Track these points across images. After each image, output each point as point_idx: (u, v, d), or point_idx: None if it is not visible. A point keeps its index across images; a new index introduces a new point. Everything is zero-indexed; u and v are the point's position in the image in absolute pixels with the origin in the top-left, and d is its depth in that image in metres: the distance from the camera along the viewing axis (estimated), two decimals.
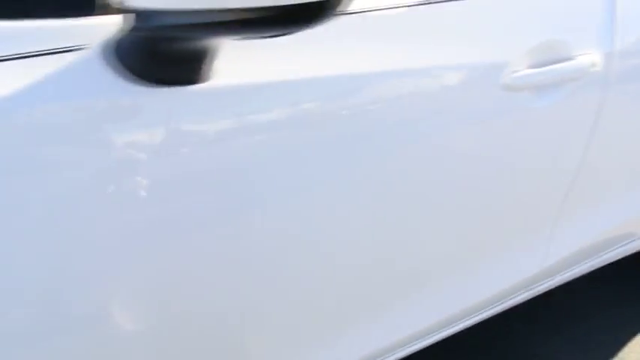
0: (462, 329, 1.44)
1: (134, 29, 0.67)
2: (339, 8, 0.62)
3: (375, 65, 0.91)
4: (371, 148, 0.95)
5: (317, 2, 0.59)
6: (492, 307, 1.41)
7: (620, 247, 1.86)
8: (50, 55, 0.67)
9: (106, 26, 0.70)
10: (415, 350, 1.30)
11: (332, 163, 0.92)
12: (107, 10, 0.68)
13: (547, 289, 1.65)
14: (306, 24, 0.62)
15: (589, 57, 1.20)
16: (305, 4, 0.59)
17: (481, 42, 1.04)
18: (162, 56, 0.69)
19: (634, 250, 1.95)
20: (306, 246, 0.95)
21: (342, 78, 0.87)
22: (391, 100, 0.95)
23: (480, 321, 1.44)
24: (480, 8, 1.04)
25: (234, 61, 0.74)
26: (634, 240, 1.90)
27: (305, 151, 0.87)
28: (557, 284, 1.70)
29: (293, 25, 0.62)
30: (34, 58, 0.67)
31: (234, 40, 0.69)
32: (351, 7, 0.85)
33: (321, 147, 0.89)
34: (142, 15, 0.65)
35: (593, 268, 1.83)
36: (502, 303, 1.40)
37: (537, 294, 1.60)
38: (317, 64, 0.84)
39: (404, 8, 0.94)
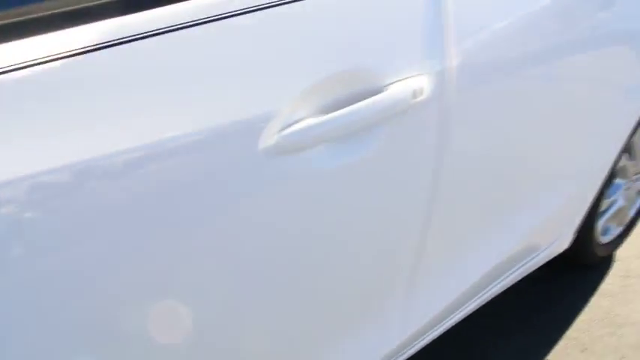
0: None
1: None
2: None
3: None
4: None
5: None
6: None
7: (526, 263, 1.56)
8: None
9: None
10: None
11: None
12: None
13: (436, 336, 1.33)
14: None
15: (409, 83, 0.81)
16: None
17: (219, 95, 0.66)
18: None
19: (544, 261, 1.67)
20: None
21: None
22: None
23: None
24: (211, 44, 0.65)
25: None
26: (540, 252, 1.60)
27: None
28: (453, 323, 1.38)
29: None
30: None
31: None
32: None
33: None
34: None
35: (499, 292, 1.53)
36: None
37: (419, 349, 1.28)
38: None
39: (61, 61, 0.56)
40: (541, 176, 1.37)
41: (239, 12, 0.65)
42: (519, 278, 1.60)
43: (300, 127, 0.71)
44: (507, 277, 1.52)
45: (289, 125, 0.70)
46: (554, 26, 1.09)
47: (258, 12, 0.67)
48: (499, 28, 0.92)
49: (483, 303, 1.50)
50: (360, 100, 0.76)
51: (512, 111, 1.05)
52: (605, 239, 1.86)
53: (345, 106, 0.74)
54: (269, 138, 0.69)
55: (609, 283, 1.88)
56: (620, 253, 1.99)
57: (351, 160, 0.77)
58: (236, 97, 0.66)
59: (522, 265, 1.55)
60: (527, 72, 1.08)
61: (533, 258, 1.58)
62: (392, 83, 0.79)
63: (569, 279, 1.88)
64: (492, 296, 1.51)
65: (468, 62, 0.87)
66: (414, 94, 0.80)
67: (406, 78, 0.81)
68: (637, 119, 1.63)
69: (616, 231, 1.90)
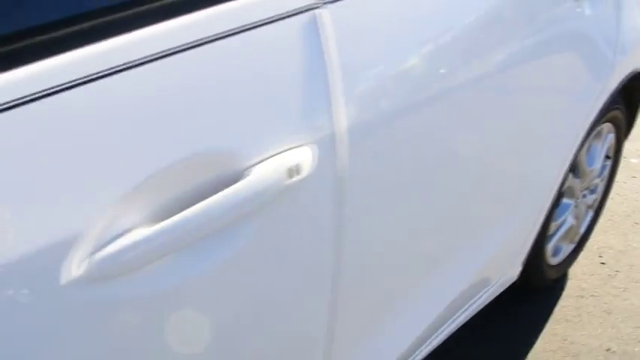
0: None
1: None
2: None
3: None
4: None
5: None
6: None
7: (474, 303, 1.40)
8: None
9: None
10: None
11: None
12: None
13: None
14: None
15: (283, 160, 0.61)
16: None
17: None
18: None
19: (493, 297, 1.50)
20: None
21: None
22: None
23: None
24: None
25: None
26: (490, 288, 1.44)
27: None
28: None
29: None
30: None
31: None
32: None
33: None
34: None
35: (457, 328, 1.36)
36: None
37: None
38: None
39: None
40: (481, 217, 1.19)
41: (24, 99, 0.46)
42: (468, 318, 1.44)
43: (120, 246, 0.50)
44: (451, 323, 1.35)
45: (105, 244, 0.50)
46: (479, 42, 0.90)
47: (54, 96, 0.47)
48: (404, 63, 0.71)
49: (430, 351, 1.33)
50: (210, 195, 0.55)
51: (435, 155, 0.86)
52: (556, 260, 1.71)
53: (187, 206, 0.54)
54: (75, 266, 0.48)
55: (563, 306, 1.72)
56: (574, 270, 1.84)
57: (207, 267, 0.57)
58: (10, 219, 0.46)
59: (470, 306, 1.39)
60: (451, 104, 0.89)
61: (481, 296, 1.41)
62: (257, 163, 0.59)
63: (522, 304, 1.73)
64: (441, 341, 1.35)
65: (364, 115, 0.68)
66: (290, 173, 0.61)
67: (278, 153, 0.60)
68: (584, 134, 1.47)
69: (568, 249, 1.75)
